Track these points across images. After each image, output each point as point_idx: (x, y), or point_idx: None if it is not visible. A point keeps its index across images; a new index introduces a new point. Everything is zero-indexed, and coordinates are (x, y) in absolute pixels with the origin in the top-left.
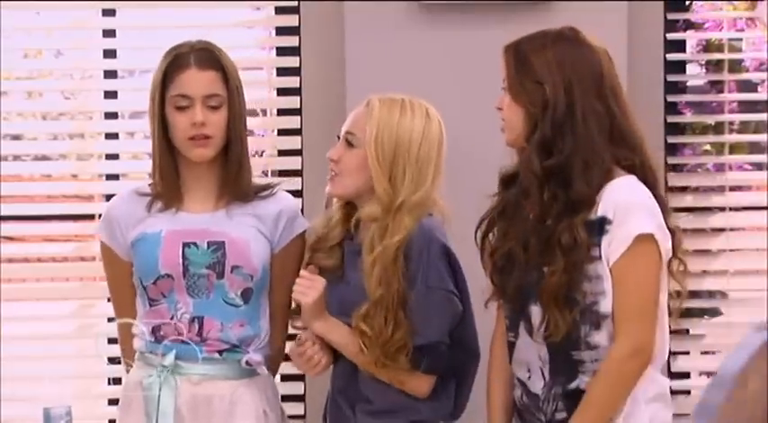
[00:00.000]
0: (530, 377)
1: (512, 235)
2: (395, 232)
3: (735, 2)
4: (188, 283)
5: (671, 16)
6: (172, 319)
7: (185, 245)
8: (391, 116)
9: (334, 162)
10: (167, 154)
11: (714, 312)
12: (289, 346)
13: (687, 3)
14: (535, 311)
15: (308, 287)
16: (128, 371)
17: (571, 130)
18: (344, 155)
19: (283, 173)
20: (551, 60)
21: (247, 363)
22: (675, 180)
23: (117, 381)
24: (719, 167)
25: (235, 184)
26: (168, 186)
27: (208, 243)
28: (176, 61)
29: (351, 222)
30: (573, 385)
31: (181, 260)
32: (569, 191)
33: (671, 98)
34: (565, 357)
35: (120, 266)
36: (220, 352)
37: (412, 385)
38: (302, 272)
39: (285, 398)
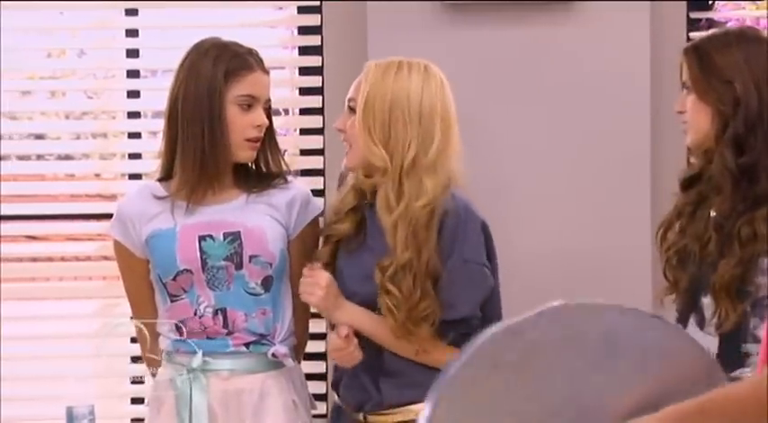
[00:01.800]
0: None
1: (689, 232)
2: (417, 195)
3: (757, 1)
4: (207, 277)
5: (694, 15)
6: (195, 314)
7: (201, 238)
8: (385, 77)
9: (342, 132)
10: (220, 150)
11: None
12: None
13: (710, 2)
14: (706, 304)
15: (312, 284)
16: (153, 374)
17: (762, 127)
18: (348, 123)
19: (305, 172)
20: (738, 59)
21: (273, 355)
22: None
23: (140, 380)
24: None
25: (259, 181)
26: (202, 182)
27: (224, 234)
28: (239, 61)
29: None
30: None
31: (198, 254)
32: (756, 187)
33: None
34: (734, 349)
35: (136, 264)
36: (247, 345)
37: (436, 356)
38: (304, 270)
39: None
